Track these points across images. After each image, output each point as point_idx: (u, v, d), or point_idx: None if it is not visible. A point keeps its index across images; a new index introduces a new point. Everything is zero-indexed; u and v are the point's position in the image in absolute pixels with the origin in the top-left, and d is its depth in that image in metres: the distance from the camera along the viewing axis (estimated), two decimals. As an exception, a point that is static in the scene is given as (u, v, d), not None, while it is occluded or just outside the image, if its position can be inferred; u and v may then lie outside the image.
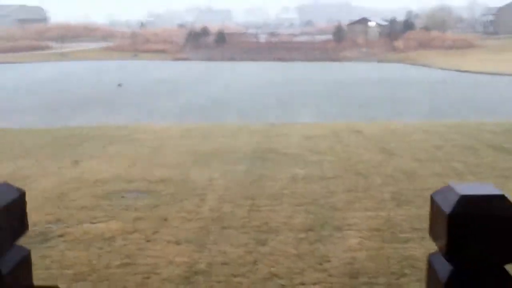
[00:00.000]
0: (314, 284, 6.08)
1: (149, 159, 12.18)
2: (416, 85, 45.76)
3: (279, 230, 7.64)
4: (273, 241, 7.28)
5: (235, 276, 6.24)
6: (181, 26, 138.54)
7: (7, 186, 0.98)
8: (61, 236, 7.20)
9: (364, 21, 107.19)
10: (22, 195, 1.02)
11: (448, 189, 0.94)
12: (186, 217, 8.08)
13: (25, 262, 1.02)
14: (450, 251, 0.90)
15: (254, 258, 6.75)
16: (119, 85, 28.51)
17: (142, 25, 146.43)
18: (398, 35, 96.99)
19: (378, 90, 30.45)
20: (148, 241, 7.16)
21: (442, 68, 69.21)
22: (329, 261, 6.70)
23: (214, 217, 8.11)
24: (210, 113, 20.71)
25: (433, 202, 0.96)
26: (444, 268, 0.95)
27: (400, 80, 51.75)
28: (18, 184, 1.07)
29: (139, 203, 8.72)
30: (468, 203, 0.90)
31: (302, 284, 6.07)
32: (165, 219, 7.96)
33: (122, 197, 9.03)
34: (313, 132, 15.64)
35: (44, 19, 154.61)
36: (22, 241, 1.13)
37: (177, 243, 7.13)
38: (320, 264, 6.61)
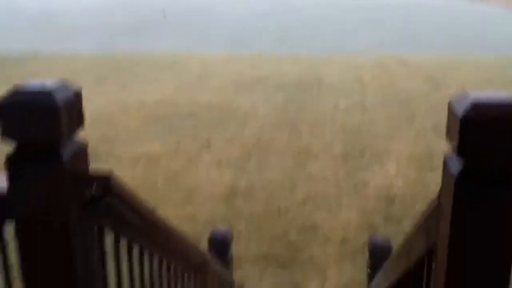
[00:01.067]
0: (350, 207, 6.25)
1: (194, 85, 12.35)
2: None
3: (319, 156, 7.78)
4: (312, 166, 7.44)
5: (273, 197, 6.47)
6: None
7: (63, 84, 1.10)
8: (108, 154, 7.54)
9: None
10: (78, 93, 1.15)
11: (464, 95, 1.02)
12: (228, 141, 8.30)
13: (83, 153, 1.16)
14: (461, 149, 0.99)
15: (293, 181, 6.95)
16: (164, 15, 28.31)
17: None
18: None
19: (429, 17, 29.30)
20: (191, 162, 7.43)
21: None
22: (366, 187, 6.84)
23: (255, 142, 8.29)
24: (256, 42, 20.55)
25: (449, 107, 1.04)
26: (456, 166, 1.04)
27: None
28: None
29: (183, 126, 8.97)
30: (480, 107, 0.97)
31: (339, 207, 6.25)
32: (208, 142, 8.20)
33: (168, 120, 9.29)
34: (358, 63, 15.41)
35: None
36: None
37: (219, 165, 7.39)
38: (357, 189, 6.76)
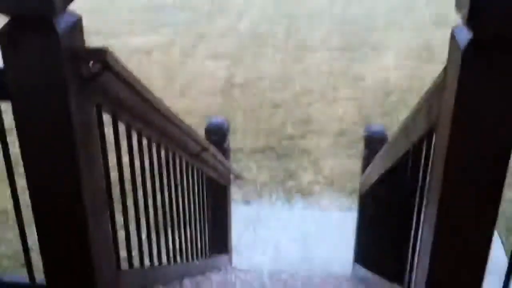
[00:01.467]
0: (347, 99, 6.26)
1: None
2: None
3: (316, 48, 7.66)
4: (309, 59, 7.34)
5: (270, 90, 6.45)
6: None
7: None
8: (102, 48, 7.38)
9: None
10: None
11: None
12: (224, 34, 8.12)
13: (78, 27, 1.11)
14: (471, 18, 0.95)
15: (289, 74, 6.89)
16: None
17: None
18: None
19: None
20: (186, 55, 7.31)
21: None
22: (363, 79, 6.80)
23: (251, 34, 8.12)
24: None
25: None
26: (465, 36, 1.01)
27: None
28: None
29: (177, 18, 8.72)
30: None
31: (335, 99, 6.25)
32: (203, 35, 8.02)
33: (160, 12, 9.01)
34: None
35: None
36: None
37: (215, 58, 7.28)
38: (354, 81, 6.73)
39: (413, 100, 6.48)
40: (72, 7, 1.11)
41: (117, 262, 1.41)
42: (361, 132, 5.65)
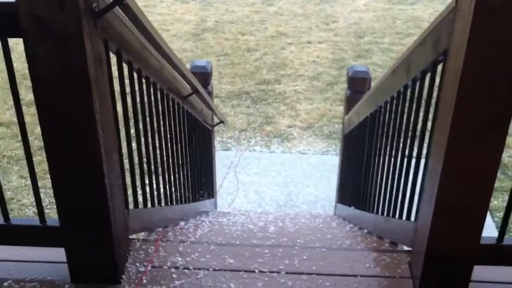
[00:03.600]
0: (321, 42, 6.20)
1: None
2: None
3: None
4: (281, 1, 7.21)
5: (243, 34, 6.33)
6: None
7: None
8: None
9: None
10: None
11: None
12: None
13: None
14: None
15: (261, 17, 6.77)
16: None
17: None
18: None
19: None
20: (154, -2, 7.08)
21: None
22: (336, 21, 6.74)
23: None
24: None
25: None
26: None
27: None
28: None
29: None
30: None
31: (309, 42, 6.19)
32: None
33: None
34: None
35: None
36: None
37: (185, 0, 7.07)
38: (327, 24, 6.66)
39: (386, 41, 6.49)
40: None
41: (125, 202, 1.38)
42: (335, 75, 5.67)
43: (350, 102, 3.20)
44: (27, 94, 4.33)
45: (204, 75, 3.00)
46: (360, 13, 6.96)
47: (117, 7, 1.16)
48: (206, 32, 6.33)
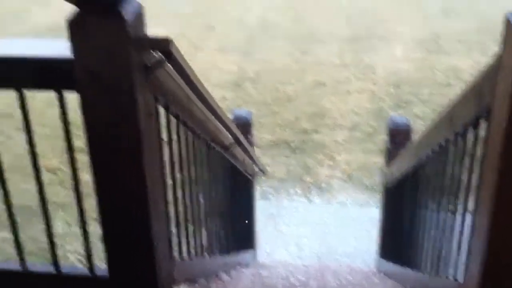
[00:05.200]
0: (359, 92, 6.22)
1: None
2: None
3: (325, 40, 7.62)
4: (319, 50, 7.30)
5: (282, 83, 6.41)
6: None
7: None
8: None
9: None
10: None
11: None
12: (232, 25, 8.07)
13: (142, 15, 1.09)
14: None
15: (300, 66, 6.86)
16: None
17: None
18: None
19: None
20: (196, 48, 7.28)
21: None
22: (374, 71, 6.76)
23: (260, 26, 8.08)
24: None
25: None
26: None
27: None
28: None
29: (185, 10, 8.67)
30: None
31: (348, 92, 6.22)
32: (211, 27, 7.98)
33: (166, 3, 8.96)
34: None
35: None
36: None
37: (224, 50, 7.24)
38: (365, 74, 6.70)
39: (425, 92, 6.49)
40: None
41: (170, 253, 1.39)
42: (374, 125, 5.66)
43: (390, 154, 3.18)
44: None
45: (245, 125, 3.04)
46: (398, 63, 6.98)
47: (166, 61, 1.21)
48: (246, 81, 6.44)
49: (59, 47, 1.16)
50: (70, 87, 1.10)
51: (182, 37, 7.57)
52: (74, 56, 1.03)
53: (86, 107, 1.08)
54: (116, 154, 1.14)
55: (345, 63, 6.97)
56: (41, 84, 1.20)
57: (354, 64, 6.93)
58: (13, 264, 1.44)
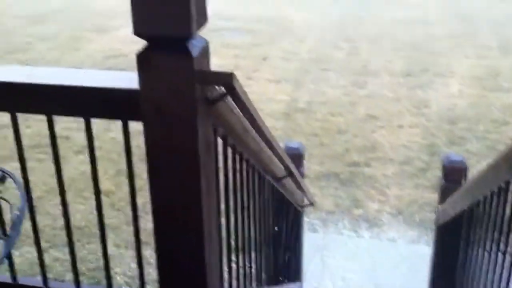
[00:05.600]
0: (412, 127, 6.13)
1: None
2: None
3: (378, 73, 7.59)
4: (372, 84, 7.27)
5: (333, 115, 6.40)
6: None
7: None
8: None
9: None
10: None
11: None
12: (285, 57, 8.17)
13: (207, 50, 1.13)
14: None
15: (352, 99, 6.84)
16: None
17: None
18: None
19: None
20: (249, 78, 7.38)
21: None
22: (427, 106, 6.67)
23: (312, 58, 8.13)
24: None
25: None
26: None
27: None
28: None
29: (238, 41, 8.85)
30: None
31: (400, 126, 6.14)
32: (264, 58, 8.09)
33: (222, 34, 9.17)
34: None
35: None
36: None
37: (277, 81, 7.31)
38: (419, 108, 6.61)
39: (481, 129, 6.34)
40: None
41: (221, 283, 1.40)
42: (426, 161, 5.55)
43: (444, 191, 3.11)
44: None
45: (297, 157, 3.05)
46: (453, 99, 6.86)
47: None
48: (297, 112, 6.47)
49: (125, 78, 1.21)
50: (135, 117, 1.15)
51: (236, 67, 7.71)
52: (141, 88, 1.08)
53: (150, 137, 1.12)
54: (175, 183, 1.17)
55: (398, 97, 6.90)
56: (107, 113, 1.26)
57: (408, 99, 6.85)
58: (69, 285, 1.48)
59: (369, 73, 7.56)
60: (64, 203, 1.44)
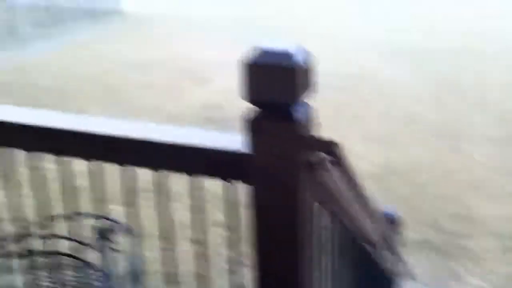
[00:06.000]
0: (513, 196, 5.78)
1: (334, 55, 11.63)
2: None
3: (476, 139, 7.29)
4: (469, 149, 6.99)
5: (427, 181, 6.17)
6: None
7: (300, 46, 1.08)
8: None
9: None
10: (312, 56, 1.12)
11: None
12: (377, 116, 8.08)
13: (312, 116, 1.15)
14: None
15: (447, 164, 6.58)
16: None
17: None
18: None
19: None
20: (340, 137, 7.33)
21: None
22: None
23: (403, 118, 7.99)
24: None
25: None
26: None
27: None
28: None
29: (330, 98, 8.85)
30: None
31: (501, 197, 5.81)
32: (356, 116, 8.06)
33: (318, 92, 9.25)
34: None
35: None
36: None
37: (367, 141, 7.21)
38: (521, 177, 6.23)
39: None
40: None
41: None
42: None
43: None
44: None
45: (392, 223, 2.94)
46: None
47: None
48: (388, 176, 6.31)
49: (229, 140, 1.24)
50: (240, 178, 1.18)
51: (328, 128, 7.72)
52: (249, 151, 1.11)
53: (256, 198, 1.15)
54: (276, 243, 1.18)
55: (498, 165, 6.56)
56: (211, 172, 1.29)
57: (506, 166, 6.49)
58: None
59: (465, 138, 7.29)
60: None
